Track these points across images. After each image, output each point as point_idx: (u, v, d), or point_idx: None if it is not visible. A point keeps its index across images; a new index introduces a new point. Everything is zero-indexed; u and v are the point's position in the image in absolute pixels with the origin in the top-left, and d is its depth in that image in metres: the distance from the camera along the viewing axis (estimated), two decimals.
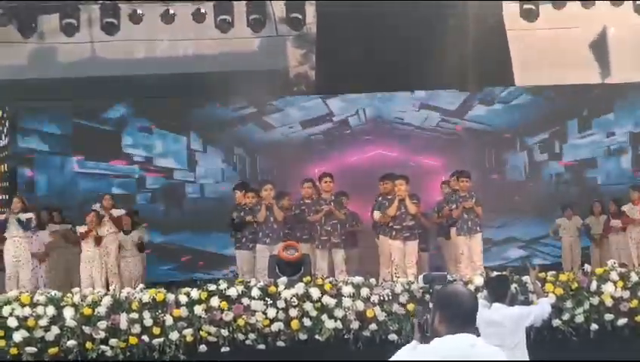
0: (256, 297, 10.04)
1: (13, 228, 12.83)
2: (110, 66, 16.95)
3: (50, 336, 9.89)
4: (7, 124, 17.16)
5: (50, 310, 10.00)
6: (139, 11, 15.15)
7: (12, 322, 9.96)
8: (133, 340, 9.86)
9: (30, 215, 12.97)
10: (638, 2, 14.98)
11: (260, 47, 17.13)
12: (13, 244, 12.85)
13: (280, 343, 9.95)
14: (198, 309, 9.99)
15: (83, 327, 9.88)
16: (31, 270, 13.04)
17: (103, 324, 9.88)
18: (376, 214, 12.34)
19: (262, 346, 9.95)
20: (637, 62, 16.72)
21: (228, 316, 9.96)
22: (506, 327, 7.95)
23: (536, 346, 8.50)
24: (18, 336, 9.88)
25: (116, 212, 13.89)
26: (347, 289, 10.10)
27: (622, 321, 10.06)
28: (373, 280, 10.52)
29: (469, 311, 4.06)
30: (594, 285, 10.22)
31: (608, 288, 10.17)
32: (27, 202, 13.26)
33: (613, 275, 10.33)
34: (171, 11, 15.24)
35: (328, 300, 10.02)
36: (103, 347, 9.85)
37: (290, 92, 17.92)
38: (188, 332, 9.89)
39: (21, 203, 13.04)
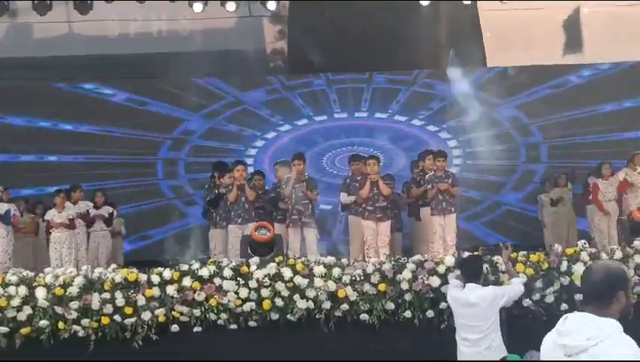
0: (229, 277, 10.06)
1: None
2: (84, 45, 16.83)
3: (22, 316, 9.87)
4: None
5: (22, 290, 9.99)
6: None
7: None
8: (105, 320, 9.86)
9: (7, 207, 12.88)
10: None
11: (235, 26, 17.06)
12: None
13: (252, 323, 9.97)
14: (171, 289, 10.00)
15: (55, 307, 9.88)
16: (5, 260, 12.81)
17: (75, 304, 9.87)
18: (343, 196, 12.29)
19: (234, 326, 9.98)
20: (609, 43, 16.83)
21: (200, 296, 9.98)
22: (481, 308, 8.03)
23: (506, 326, 8.57)
24: None
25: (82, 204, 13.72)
26: (319, 270, 10.13)
27: None
28: (344, 260, 10.57)
29: None
30: (564, 265, 10.29)
31: (578, 268, 10.22)
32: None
33: (584, 255, 10.40)
34: None
35: (300, 280, 10.04)
36: (75, 327, 9.84)
37: (267, 68, 17.89)
38: (160, 312, 9.89)
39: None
